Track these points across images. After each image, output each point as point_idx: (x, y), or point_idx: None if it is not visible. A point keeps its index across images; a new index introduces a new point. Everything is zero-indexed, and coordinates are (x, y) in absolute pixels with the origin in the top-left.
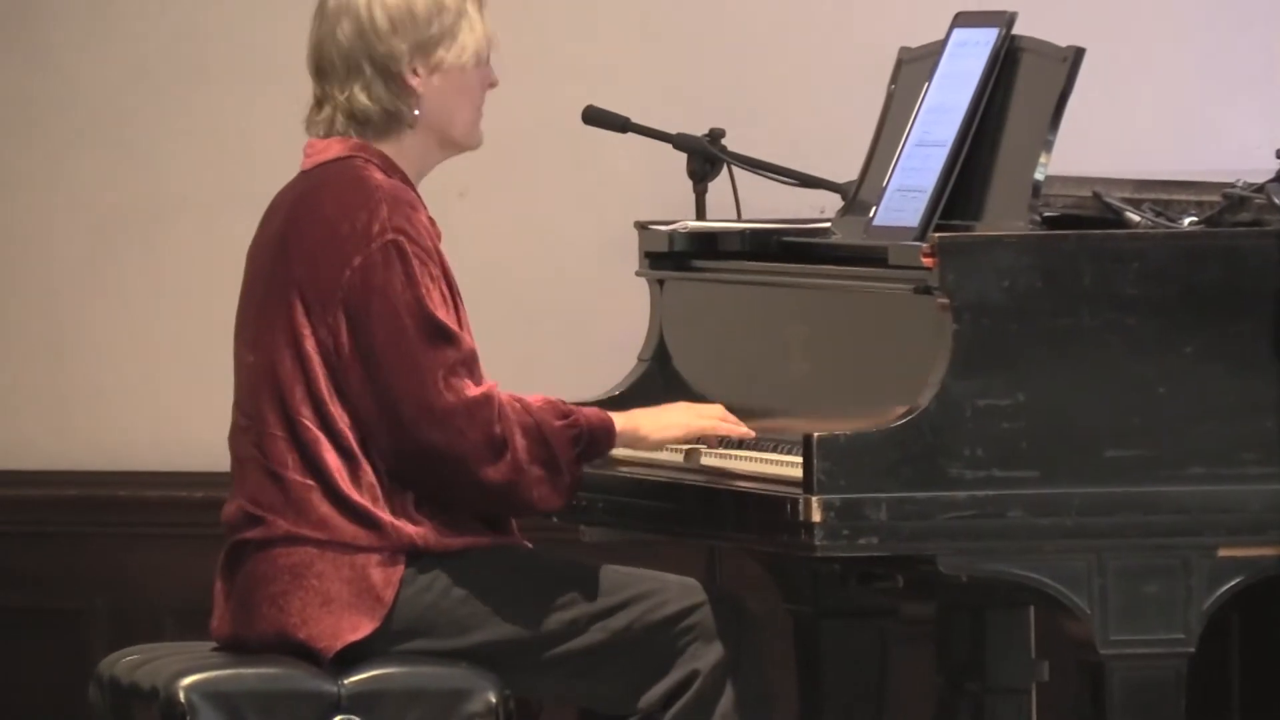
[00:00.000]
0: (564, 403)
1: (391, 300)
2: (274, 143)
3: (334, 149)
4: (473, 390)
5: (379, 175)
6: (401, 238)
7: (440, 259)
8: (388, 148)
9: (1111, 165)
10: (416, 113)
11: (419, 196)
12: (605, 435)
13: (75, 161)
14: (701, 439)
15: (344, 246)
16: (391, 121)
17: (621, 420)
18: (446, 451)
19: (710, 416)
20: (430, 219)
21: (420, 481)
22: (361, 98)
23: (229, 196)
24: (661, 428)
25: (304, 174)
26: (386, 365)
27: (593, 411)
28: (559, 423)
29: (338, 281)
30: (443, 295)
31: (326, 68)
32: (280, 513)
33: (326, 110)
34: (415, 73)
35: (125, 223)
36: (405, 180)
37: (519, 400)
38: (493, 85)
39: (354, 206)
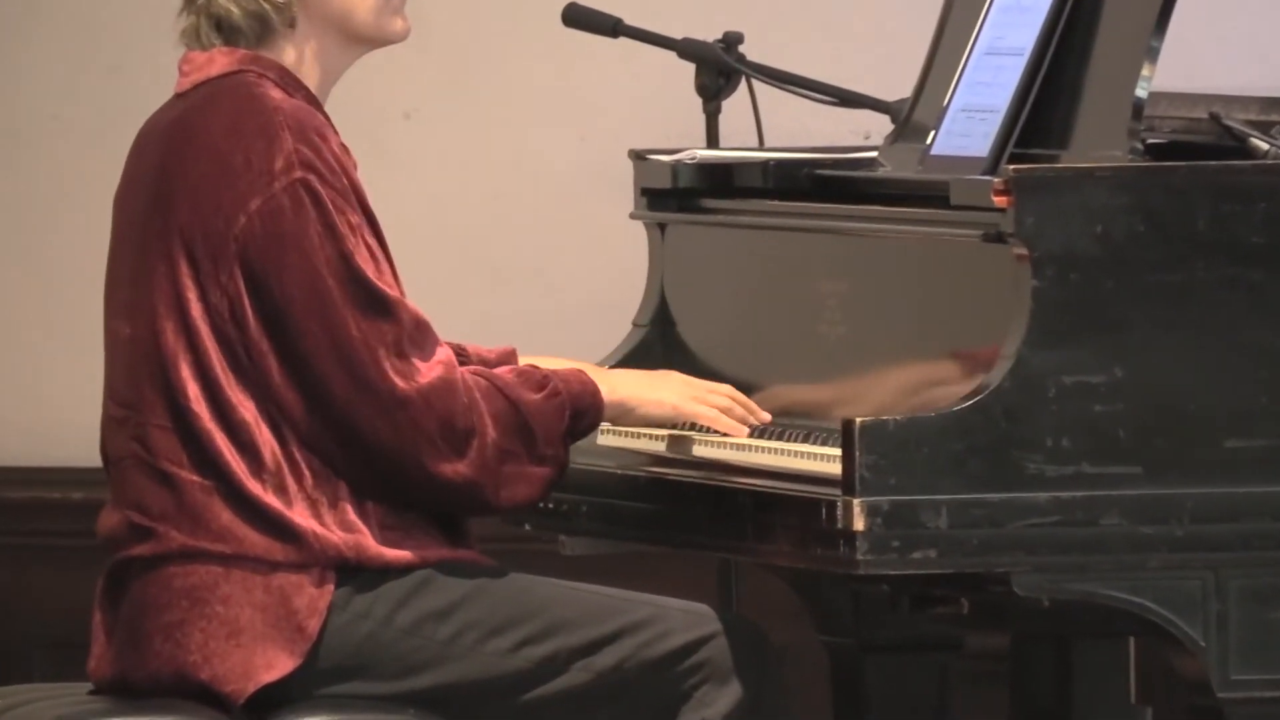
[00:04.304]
0: (534, 367)
1: (308, 255)
2: (166, 50)
3: (218, 63)
4: (427, 373)
5: (276, 93)
6: (311, 175)
7: (360, 199)
8: (281, 56)
9: (1232, 79)
10: (292, 12)
11: (328, 119)
12: (591, 405)
13: None
14: (693, 427)
15: (238, 185)
16: (264, 27)
17: (606, 387)
18: (394, 446)
19: (712, 398)
20: (343, 146)
21: (359, 473)
22: (221, 0)
23: (109, 116)
24: (648, 400)
25: (180, 96)
26: (309, 339)
27: (571, 374)
28: (537, 396)
29: (230, 230)
30: (370, 250)
31: None
32: (173, 522)
33: (189, 18)
34: None
35: None
36: (310, 98)
37: (485, 377)
38: None
39: (249, 134)
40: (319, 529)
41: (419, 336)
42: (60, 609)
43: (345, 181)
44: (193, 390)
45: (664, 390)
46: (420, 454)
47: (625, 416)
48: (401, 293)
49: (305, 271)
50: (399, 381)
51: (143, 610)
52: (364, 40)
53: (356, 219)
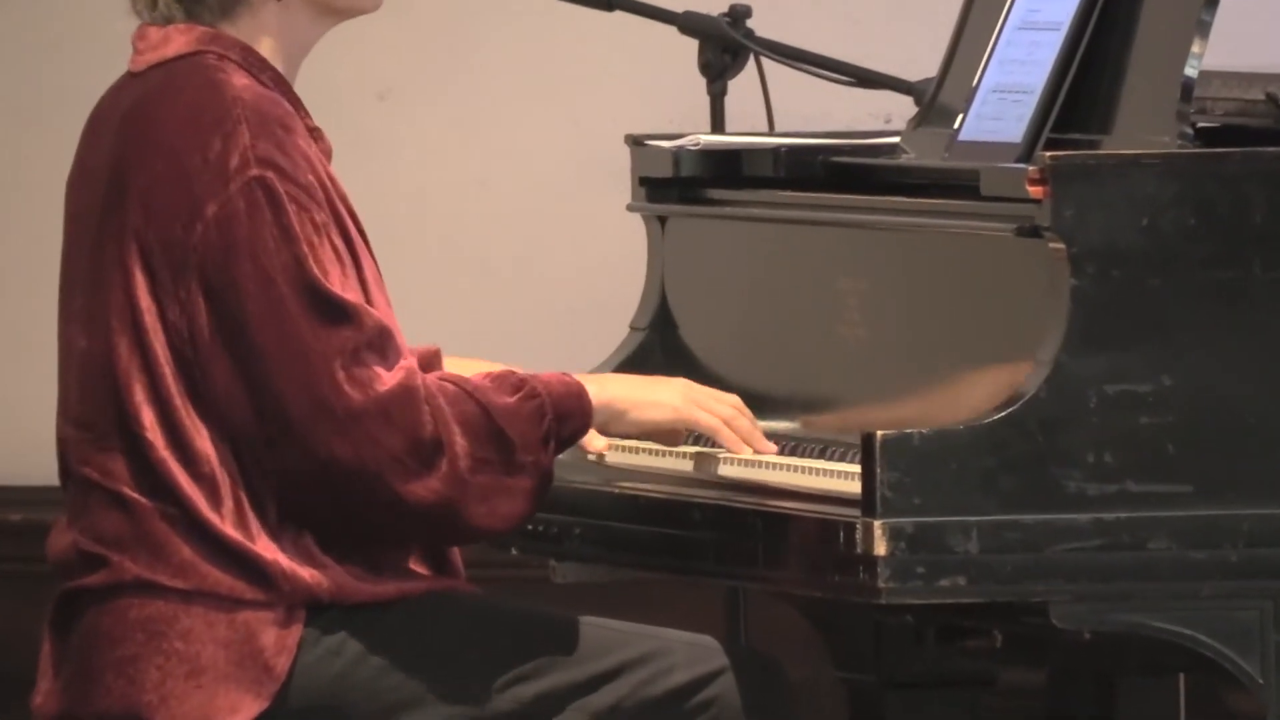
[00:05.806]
0: (514, 372)
1: (262, 264)
2: (112, 23)
3: (175, 42)
4: (386, 381)
5: (239, 79)
6: (270, 173)
7: (328, 194)
8: (244, 32)
9: None
10: None
11: (297, 103)
12: (577, 408)
13: None
14: (696, 440)
15: (194, 188)
16: None
17: (594, 388)
18: (355, 467)
19: (716, 406)
20: (315, 131)
21: (323, 508)
22: None
23: (52, 95)
24: (643, 404)
25: (134, 76)
26: (262, 354)
27: (554, 377)
28: (512, 399)
29: (189, 240)
30: (335, 251)
31: None
32: (129, 550)
33: None
34: None
35: None
36: (277, 79)
37: (453, 381)
38: None
39: (205, 128)
40: (286, 565)
41: (380, 343)
42: (1, 638)
43: (310, 177)
44: (147, 417)
45: (663, 392)
46: (384, 473)
47: (618, 421)
48: (371, 298)
49: (260, 281)
50: (353, 393)
51: (94, 642)
52: (335, 11)
53: (322, 217)
